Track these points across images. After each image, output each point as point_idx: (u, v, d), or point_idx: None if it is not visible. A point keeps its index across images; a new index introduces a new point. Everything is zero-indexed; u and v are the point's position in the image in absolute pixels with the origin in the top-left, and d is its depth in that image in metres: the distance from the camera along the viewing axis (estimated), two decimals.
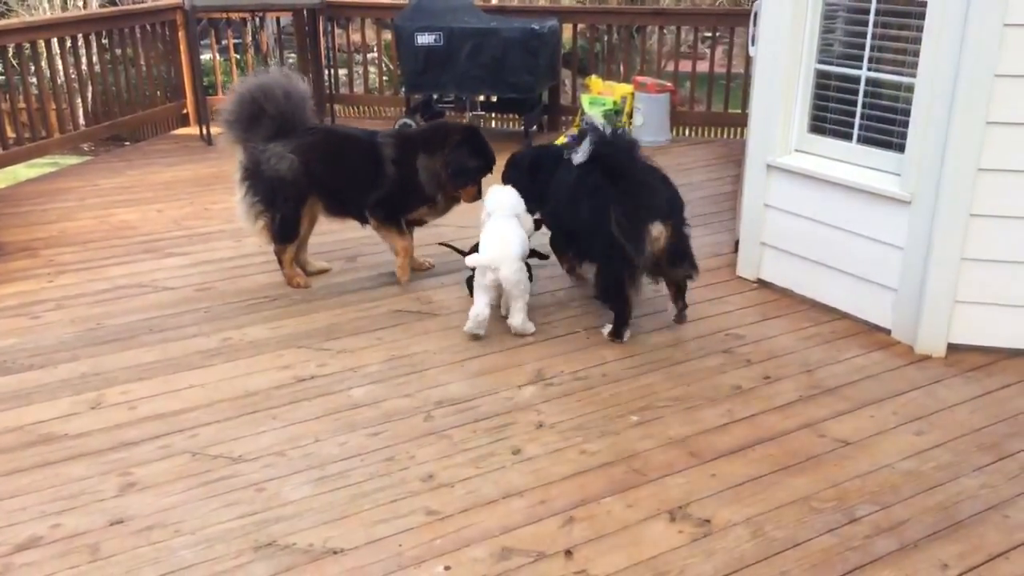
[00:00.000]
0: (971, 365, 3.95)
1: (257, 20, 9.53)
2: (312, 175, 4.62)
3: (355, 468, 3.18)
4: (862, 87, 4.24)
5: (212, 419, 3.50)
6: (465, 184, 4.64)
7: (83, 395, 3.68)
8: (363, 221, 4.84)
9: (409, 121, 7.87)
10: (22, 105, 7.19)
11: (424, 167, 4.61)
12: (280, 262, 4.80)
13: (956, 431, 3.45)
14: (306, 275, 4.91)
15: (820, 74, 4.43)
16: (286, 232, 4.71)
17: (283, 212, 4.65)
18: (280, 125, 4.57)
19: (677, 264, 4.12)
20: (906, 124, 4.00)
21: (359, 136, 4.78)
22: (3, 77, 7.28)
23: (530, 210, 4.42)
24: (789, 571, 2.69)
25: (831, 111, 4.43)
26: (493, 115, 8.98)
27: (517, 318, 4.19)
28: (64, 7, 14.77)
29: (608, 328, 4.22)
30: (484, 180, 4.68)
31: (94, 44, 7.72)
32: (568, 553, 2.76)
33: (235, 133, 4.61)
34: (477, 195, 4.69)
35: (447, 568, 2.69)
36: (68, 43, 7.42)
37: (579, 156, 4.04)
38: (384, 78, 10.73)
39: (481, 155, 4.64)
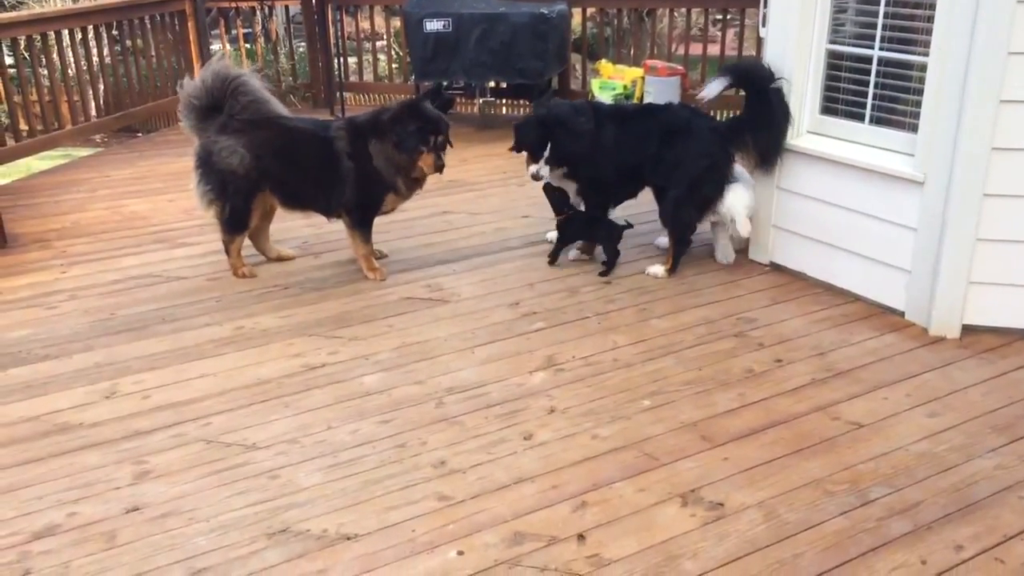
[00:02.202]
0: (985, 346, 3.92)
1: (266, 9, 9.52)
2: (264, 170, 4.59)
3: (367, 455, 3.19)
4: (874, 67, 4.20)
5: (225, 407, 3.51)
6: (415, 150, 4.46)
7: (97, 385, 3.70)
8: (327, 216, 4.84)
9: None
10: (34, 97, 7.21)
11: (377, 153, 4.53)
12: (227, 251, 4.81)
13: (970, 412, 3.43)
14: (269, 261, 4.99)
15: (832, 55, 4.40)
16: (235, 223, 4.71)
17: (233, 204, 4.64)
18: (235, 120, 4.56)
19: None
20: (919, 104, 3.96)
21: (313, 131, 4.68)
22: (14, 70, 7.28)
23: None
24: (802, 554, 2.68)
25: (843, 92, 4.39)
26: (503, 101, 8.95)
27: None
28: None
29: (660, 268, 4.73)
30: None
31: (104, 35, 7.74)
32: (580, 537, 2.76)
33: (191, 121, 4.62)
34: (439, 162, 4.53)
35: (460, 553, 2.70)
36: (79, 35, 7.44)
37: (709, 91, 4.70)
38: (394, 66, 10.70)
39: (420, 117, 4.48)
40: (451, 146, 4.65)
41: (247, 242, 4.91)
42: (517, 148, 4.79)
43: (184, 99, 4.62)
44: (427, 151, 4.49)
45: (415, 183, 4.68)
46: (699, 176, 4.63)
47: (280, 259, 5.03)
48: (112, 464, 3.16)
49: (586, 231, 4.89)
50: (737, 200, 4.66)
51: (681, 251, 4.77)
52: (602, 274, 4.74)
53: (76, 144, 9.14)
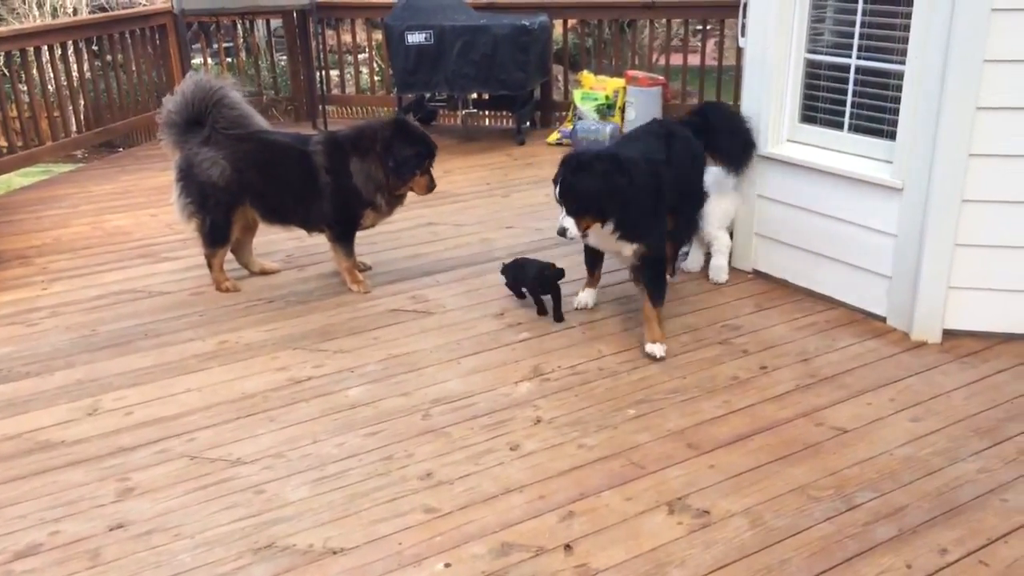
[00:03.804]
0: (967, 350, 3.95)
1: (247, 22, 9.51)
2: (244, 183, 4.58)
3: (353, 468, 3.18)
4: (852, 75, 4.24)
5: (209, 422, 3.50)
6: (411, 174, 4.54)
7: (80, 402, 3.67)
8: (307, 230, 4.84)
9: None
10: (14, 114, 7.17)
11: (358, 171, 4.52)
12: (209, 265, 4.79)
13: (953, 416, 3.45)
14: (252, 274, 4.97)
15: (810, 63, 4.44)
16: (216, 236, 4.70)
17: (213, 217, 4.63)
18: (218, 132, 4.56)
19: None
20: (897, 112, 4.00)
21: (292, 144, 4.67)
22: None
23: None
24: (789, 559, 2.69)
25: (822, 100, 4.43)
26: (486, 113, 8.97)
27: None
28: (54, 14, 14.73)
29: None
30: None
31: (84, 51, 7.71)
32: (568, 547, 2.76)
33: (172, 136, 4.61)
34: (431, 184, 4.62)
35: (447, 565, 2.69)
36: (58, 50, 7.41)
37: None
38: (376, 78, 10.71)
39: (417, 142, 4.53)
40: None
41: (230, 256, 4.89)
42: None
43: (165, 115, 4.60)
44: (421, 174, 4.55)
45: (397, 199, 4.69)
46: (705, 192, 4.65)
47: (264, 273, 5.02)
48: (95, 481, 3.13)
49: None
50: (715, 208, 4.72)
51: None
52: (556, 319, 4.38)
53: (56, 160, 9.09)
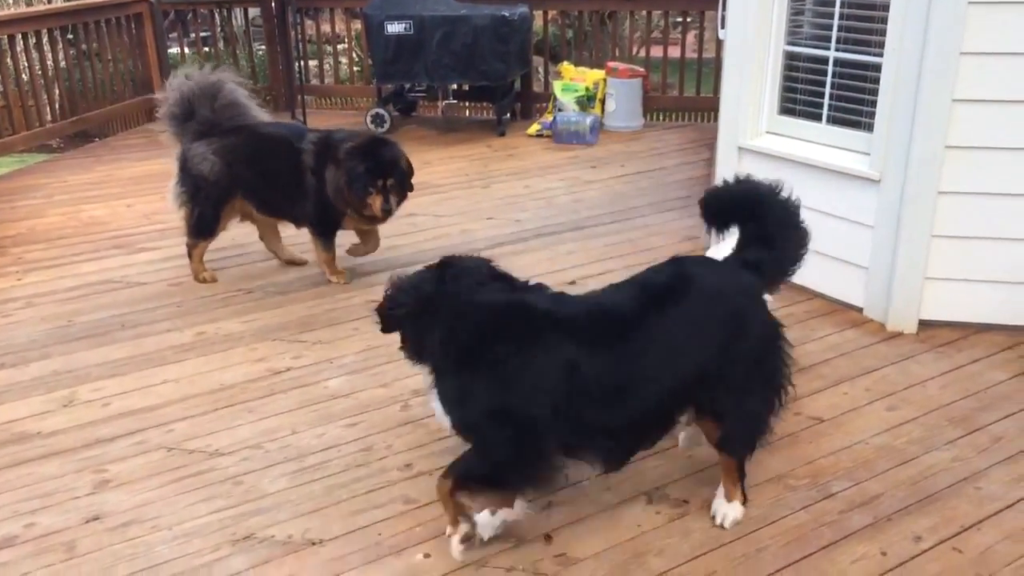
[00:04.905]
0: (942, 340, 3.99)
1: (224, 11, 9.42)
2: (235, 177, 4.56)
3: (332, 459, 3.17)
4: (830, 68, 4.26)
5: (187, 414, 3.47)
6: (363, 192, 4.34)
7: (55, 393, 3.64)
8: (296, 224, 4.81)
9: (383, 111, 7.82)
10: None
11: (331, 179, 4.44)
12: (190, 255, 4.77)
13: (928, 406, 3.49)
14: (281, 263, 4.97)
15: (789, 56, 4.45)
16: (201, 228, 4.68)
17: (201, 209, 4.62)
18: (208, 126, 4.55)
19: None
20: (874, 104, 4.03)
21: (284, 140, 4.61)
22: None
23: None
24: (766, 547, 2.71)
25: (800, 92, 4.45)
26: (466, 103, 8.94)
27: None
28: (28, 2, 14.54)
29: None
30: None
31: (59, 39, 7.61)
32: (547, 537, 2.77)
33: (172, 128, 4.62)
34: (386, 207, 4.39)
35: (426, 556, 2.69)
36: (33, 39, 7.31)
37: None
38: (355, 69, 10.66)
39: (369, 158, 4.33)
40: (411, 190, 4.55)
41: (211, 247, 4.85)
42: None
43: (164, 108, 4.60)
44: (376, 193, 4.36)
45: (370, 220, 4.58)
46: None
47: (292, 263, 4.99)
48: (71, 473, 3.11)
49: None
50: None
51: None
52: None
53: (31, 149, 8.96)
